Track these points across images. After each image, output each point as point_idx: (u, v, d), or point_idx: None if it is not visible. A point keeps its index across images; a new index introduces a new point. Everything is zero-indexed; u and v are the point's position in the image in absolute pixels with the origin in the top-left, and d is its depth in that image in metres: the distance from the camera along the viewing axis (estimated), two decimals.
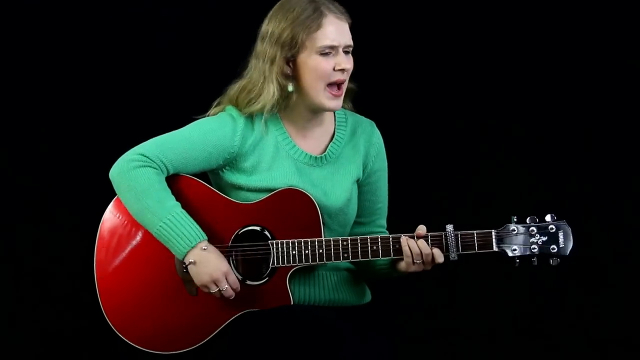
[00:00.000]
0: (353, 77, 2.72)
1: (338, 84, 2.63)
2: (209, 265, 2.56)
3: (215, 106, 2.74)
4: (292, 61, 2.64)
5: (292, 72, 2.65)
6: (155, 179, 2.60)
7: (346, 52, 2.64)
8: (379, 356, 2.57)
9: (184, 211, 2.59)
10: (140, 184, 2.59)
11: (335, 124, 2.76)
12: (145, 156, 2.61)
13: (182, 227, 2.56)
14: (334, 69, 2.62)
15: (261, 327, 2.56)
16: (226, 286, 2.56)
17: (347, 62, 2.63)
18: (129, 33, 3.61)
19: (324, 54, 2.61)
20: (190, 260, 2.56)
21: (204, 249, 2.56)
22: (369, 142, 2.76)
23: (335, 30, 2.61)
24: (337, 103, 2.65)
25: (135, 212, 2.61)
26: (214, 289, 2.56)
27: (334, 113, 2.77)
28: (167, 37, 3.63)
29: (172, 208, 2.58)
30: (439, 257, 2.59)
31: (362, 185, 2.76)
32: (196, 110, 2.73)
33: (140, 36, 3.62)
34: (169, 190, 2.61)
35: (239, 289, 2.59)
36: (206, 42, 3.60)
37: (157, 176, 2.61)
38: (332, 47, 2.61)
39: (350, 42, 2.64)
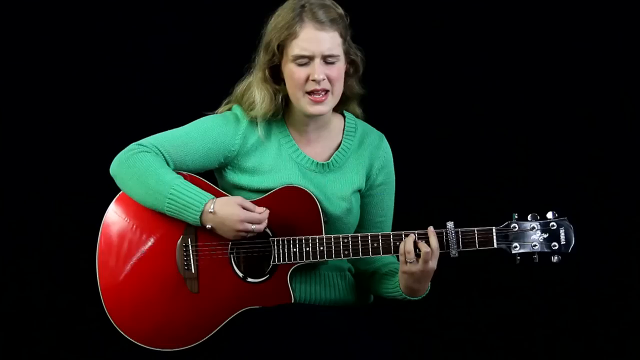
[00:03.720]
0: (359, 81, 2.73)
1: (317, 93, 2.60)
2: (225, 223, 2.56)
3: (225, 104, 2.75)
4: (276, 66, 2.65)
5: (279, 77, 2.65)
6: (153, 160, 2.61)
7: (328, 62, 2.60)
8: (379, 356, 2.56)
9: (184, 181, 2.59)
10: (138, 168, 2.60)
11: (343, 133, 2.75)
12: (141, 145, 2.63)
13: (186, 196, 2.56)
14: (308, 79, 2.59)
15: (262, 324, 2.55)
16: (252, 227, 2.56)
17: (322, 72, 2.58)
18: (136, 29, 3.62)
19: (299, 63, 2.60)
20: (208, 227, 2.57)
21: (211, 211, 2.56)
22: (374, 155, 2.75)
23: (310, 40, 2.58)
24: (319, 108, 2.62)
25: (141, 198, 2.61)
26: (246, 235, 2.57)
27: (344, 121, 2.76)
28: (174, 34, 3.64)
29: (172, 181, 2.58)
30: (424, 247, 2.53)
31: (364, 197, 2.75)
32: (204, 109, 2.74)
33: (148, 32, 3.62)
34: (167, 167, 2.62)
35: (267, 214, 2.57)
36: (217, 40, 3.60)
37: (154, 157, 2.62)
38: (305, 57, 2.59)
39: (331, 52, 2.59)
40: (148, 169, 2.60)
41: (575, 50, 3.58)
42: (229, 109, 2.73)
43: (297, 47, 2.59)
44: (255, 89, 2.66)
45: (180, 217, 2.58)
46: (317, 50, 2.58)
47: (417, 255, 2.54)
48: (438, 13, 3.62)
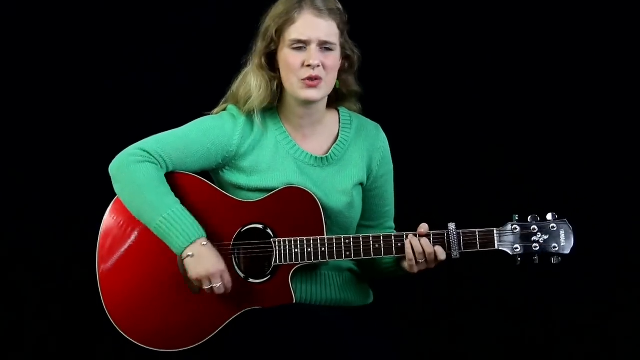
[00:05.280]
0: (358, 79, 2.74)
1: (311, 79, 2.61)
2: (207, 261, 2.56)
3: (222, 104, 2.76)
4: (273, 55, 2.66)
5: (275, 65, 2.66)
6: (155, 175, 2.60)
7: (325, 49, 2.62)
8: (380, 356, 2.57)
9: (183, 207, 2.59)
10: (139, 179, 2.60)
11: (339, 126, 2.76)
12: (145, 151, 2.62)
13: (182, 222, 2.56)
14: (303, 64, 2.61)
15: (263, 325, 2.56)
16: (220, 283, 2.56)
17: (317, 58, 2.59)
18: (135, 29, 3.62)
19: (294, 48, 2.61)
20: (188, 254, 2.55)
21: (204, 244, 2.56)
22: (373, 147, 2.76)
23: (307, 25, 2.60)
24: (312, 93, 2.63)
25: (133, 207, 2.61)
26: (206, 285, 2.56)
27: (339, 114, 2.77)
28: (172, 33, 3.63)
29: (171, 204, 2.58)
30: (441, 255, 2.58)
31: (369, 190, 2.76)
32: (203, 108, 2.74)
33: (146, 32, 3.62)
34: (168, 187, 2.61)
35: (230, 290, 2.58)
36: (215, 39, 3.60)
37: (157, 172, 2.61)
38: (302, 42, 2.61)
39: (327, 39, 2.61)
40: (149, 183, 2.59)
41: (575, 51, 3.60)
42: (224, 109, 2.73)
43: (294, 32, 2.61)
44: (251, 77, 2.67)
45: (165, 238, 2.57)
46: (314, 35, 2.61)
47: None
48: (442, 14, 3.63)
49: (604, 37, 3.58)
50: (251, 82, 2.67)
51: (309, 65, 2.60)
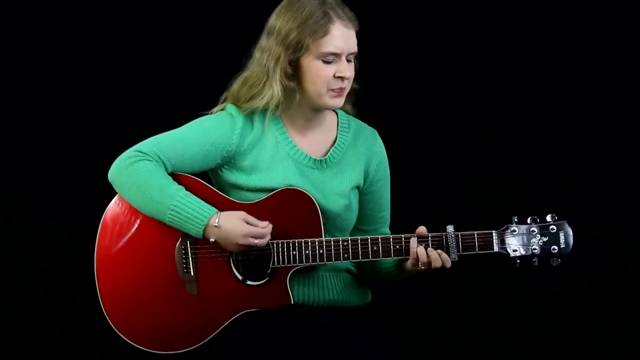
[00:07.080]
0: (356, 78, 2.73)
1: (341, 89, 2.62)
2: (229, 237, 2.56)
3: (221, 102, 2.75)
4: (295, 62, 2.64)
5: (294, 72, 2.64)
6: (154, 170, 2.60)
7: (349, 60, 2.63)
8: (379, 356, 2.57)
9: (187, 192, 2.59)
10: (140, 178, 2.59)
11: (338, 128, 2.76)
12: (141, 152, 2.62)
13: (190, 209, 2.57)
14: (334, 76, 2.61)
15: (261, 327, 2.56)
16: (255, 242, 2.57)
17: (348, 70, 2.61)
18: (133, 30, 3.61)
19: (326, 60, 2.61)
20: (212, 240, 2.57)
21: (216, 225, 2.56)
22: (371, 151, 2.76)
23: (341, 38, 2.60)
24: (339, 101, 2.64)
25: (141, 207, 2.61)
26: (249, 250, 2.58)
27: (337, 117, 2.77)
28: (170, 33, 3.63)
29: (175, 193, 2.58)
30: (447, 263, 2.59)
31: (364, 194, 2.76)
32: (202, 108, 2.74)
33: (145, 32, 3.62)
34: (169, 178, 2.61)
35: (270, 228, 2.58)
36: (214, 38, 3.60)
37: (156, 167, 2.61)
38: (336, 55, 2.60)
39: (355, 50, 2.63)
40: (150, 179, 2.59)
41: (571, 54, 3.59)
42: (223, 109, 2.72)
43: (328, 45, 2.60)
44: (269, 82, 2.63)
45: (182, 228, 2.59)
46: (346, 48, 2.61)
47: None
48: (439, 16, 3.62)
49: (602, 38, 3.56)
50: (271, 87, 2.63)
51: (340, 77, 2.60)
